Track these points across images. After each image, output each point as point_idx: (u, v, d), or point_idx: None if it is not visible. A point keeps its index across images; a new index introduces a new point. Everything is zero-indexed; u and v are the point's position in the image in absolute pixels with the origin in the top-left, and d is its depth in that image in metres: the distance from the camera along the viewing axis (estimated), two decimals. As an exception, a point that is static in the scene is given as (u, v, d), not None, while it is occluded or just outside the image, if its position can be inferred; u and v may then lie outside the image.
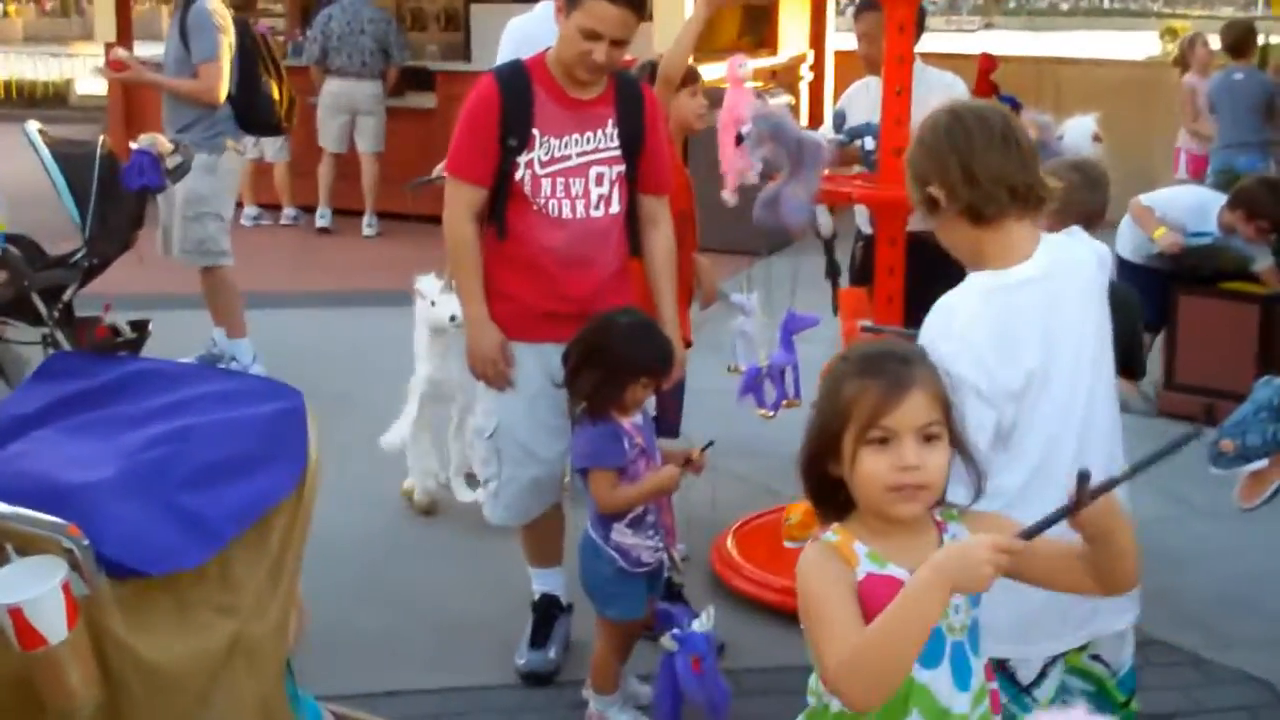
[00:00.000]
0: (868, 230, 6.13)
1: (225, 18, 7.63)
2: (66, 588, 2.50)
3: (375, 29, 12.16)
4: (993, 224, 3.11)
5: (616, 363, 4.17)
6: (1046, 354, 3.06)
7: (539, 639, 4.79)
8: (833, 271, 6.25)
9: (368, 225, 12.48)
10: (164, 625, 2.71)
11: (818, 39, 14.62)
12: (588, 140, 4.40)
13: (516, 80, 4.32)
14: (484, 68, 10.29)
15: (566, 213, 4.40)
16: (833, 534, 2.52)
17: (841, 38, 12.39)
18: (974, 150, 3.09)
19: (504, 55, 6.94)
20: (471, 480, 6.18)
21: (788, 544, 4.44)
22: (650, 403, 4.45)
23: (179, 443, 2.80)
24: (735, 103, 5.00)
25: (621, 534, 4.27)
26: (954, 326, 3.03)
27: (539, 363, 4.45)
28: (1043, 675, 3.20)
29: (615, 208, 4.47)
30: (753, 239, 5.46)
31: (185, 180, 7.49)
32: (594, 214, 4.43)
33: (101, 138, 7.05)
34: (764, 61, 12.98)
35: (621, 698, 4.46)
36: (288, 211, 12.71)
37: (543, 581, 4.88)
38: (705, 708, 4.26)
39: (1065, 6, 65.48)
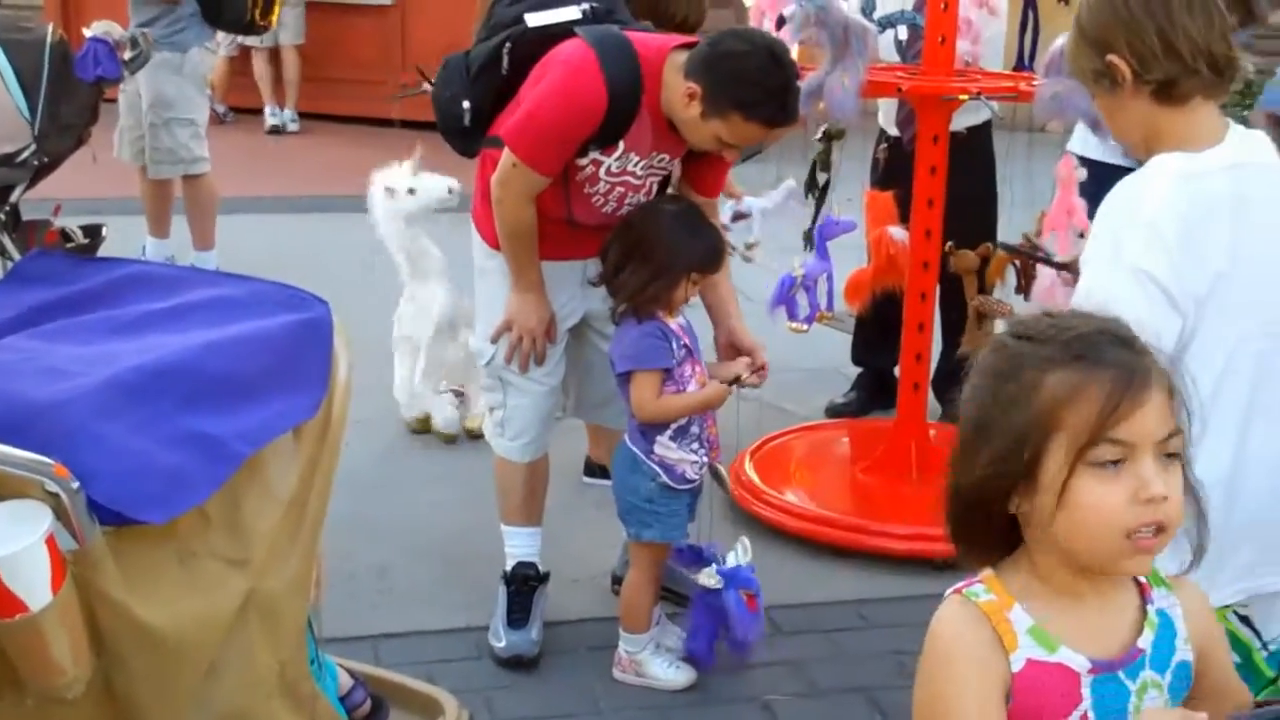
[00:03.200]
0: (893, 131, 5.70)
1: None
2: (51, 542, 2.02)
3: None
4: (1181, 103, 2.65)
5: (667, 256, 3.80)
6: (1233, 257, 2.59)
7: (518, 616, 4.22)
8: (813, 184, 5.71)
9: (291, 121, 12.25)
10: (166, 583, 2.25)
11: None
12: (662, 160, 3.98)
13: (628, 100, 3.78)
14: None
15: (609, 209, 3.99)
16: (983, 589, 1.86)
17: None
18: (1174, 15, 2.61)
19: None
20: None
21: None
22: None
23: (178, 353, 2.31)
24: (774, -22, 4.53)
25: (665, 447, 3.86)
26: (1143, 213, 2.55)
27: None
28: None
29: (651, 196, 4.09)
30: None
31: (150, 83, 7.05)
32: (630, 209, 4.03)
33: (51, 24, 6.46)
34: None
35: (655, 638, 4.03)
36: (218, 108, 12.15)
37: (520, 544, 4.33)
38: (739, 646, 3.95)
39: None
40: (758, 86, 3.66)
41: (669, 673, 4.01)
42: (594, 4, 3.98)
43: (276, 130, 12.18)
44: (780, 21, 4.49)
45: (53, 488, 2.00)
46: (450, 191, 5.42)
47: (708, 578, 3.85)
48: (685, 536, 3.99)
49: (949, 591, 1.88)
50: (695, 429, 3.89)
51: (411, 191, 5.46)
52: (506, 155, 3.83)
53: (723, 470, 4.18)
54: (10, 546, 1.96)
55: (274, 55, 12.08)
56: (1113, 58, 2.64)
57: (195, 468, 2.18)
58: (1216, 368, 2.58)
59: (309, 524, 2.46)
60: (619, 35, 3.83)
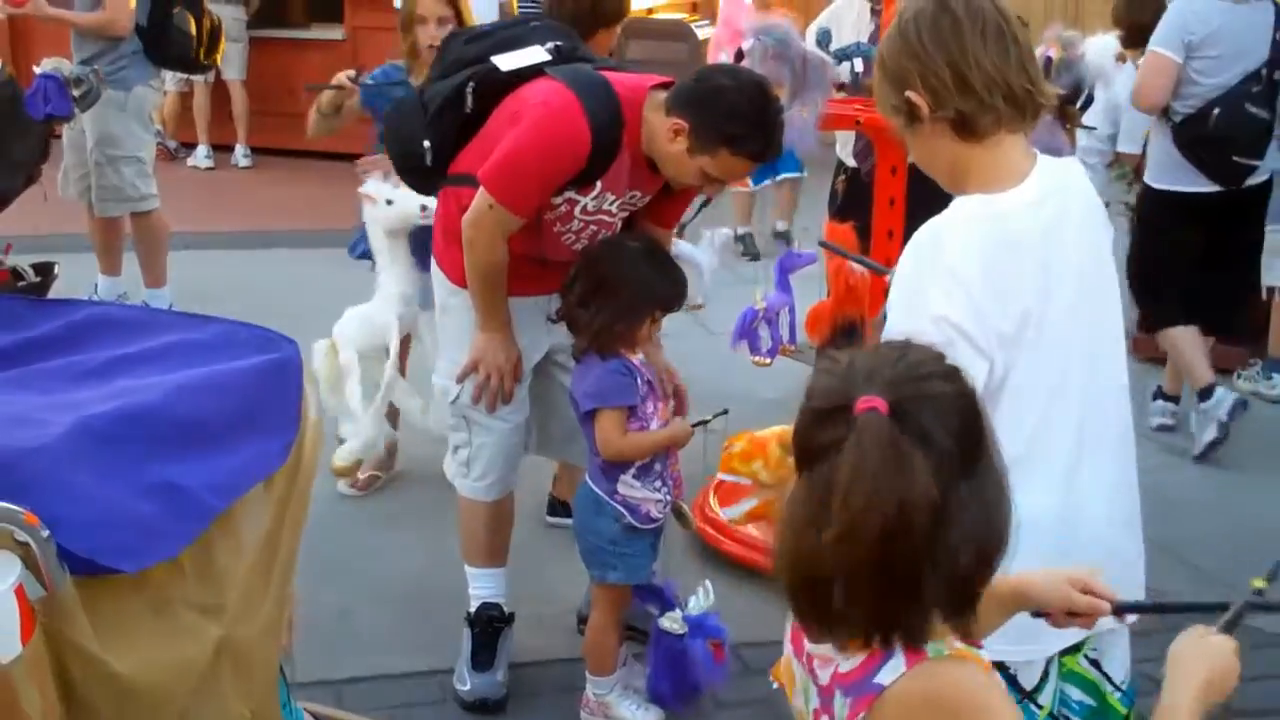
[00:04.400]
0: (851, 163, 5.71)
1: None
2: (20, 592, 1.97)
3: None
4: (983, 138, 2.57)
5: (632, 294, 3.77)
6: (1044, 293, 2.55)
7: (483, 659, 4.19)
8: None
9: (243, 156, 12.06)
10: (138, 632, 2.19)
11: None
12: (634, 198, 3.94)
13: (609, 141, 3.74)
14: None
15: (579, 246, 3.95)
16: (943, 645, 1.82)
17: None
18: (966, 47, 2.55)
19: None
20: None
21: (724, 477, 3.90)
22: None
23: (147, 398, 2.26)
24: (732, 14, 4.53)
25: (629, 486, 3.83)
26: (943, 259, 2.49)
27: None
28: (1044, 678, 2.69)
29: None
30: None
31: (95, 121, 6.99)
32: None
33: (0, 63, 6.40)
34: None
35: (623, 679, 3.99)
36: (169, 144, 11.98)
37: (484, 585, 4.29)
38: (695, 690, 3.90)
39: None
40: (746, 121, 3.65)
41: (637, 714, 3.97)
42: (559, 43, 3.96)
43: (208, 169, 11.96)
44: (739, 56, 4.49)
45: (22, 536, 1.95)
46: (423, 210, 5.01)
47: (671, 622, 3.81)
48: (650, 576, 3.96)
49: (896, 670, 1.79)
50: (658, 467, 3.86)
51: (389, 203, 5.21)
52: (482, 196, 3.76)
53: (685, 508, 4.14)
54: (-24, 598, 1.91)
55: (214, 91, 11.92)
56: (910, 93, 2.58)
57: (167, 520, 2.13)
58: (1039, 405, 2.56)
59: (280, 567, 2.42)
60: (596, 75, 3.80)
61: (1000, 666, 2.39)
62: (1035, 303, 2.52)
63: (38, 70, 6.26)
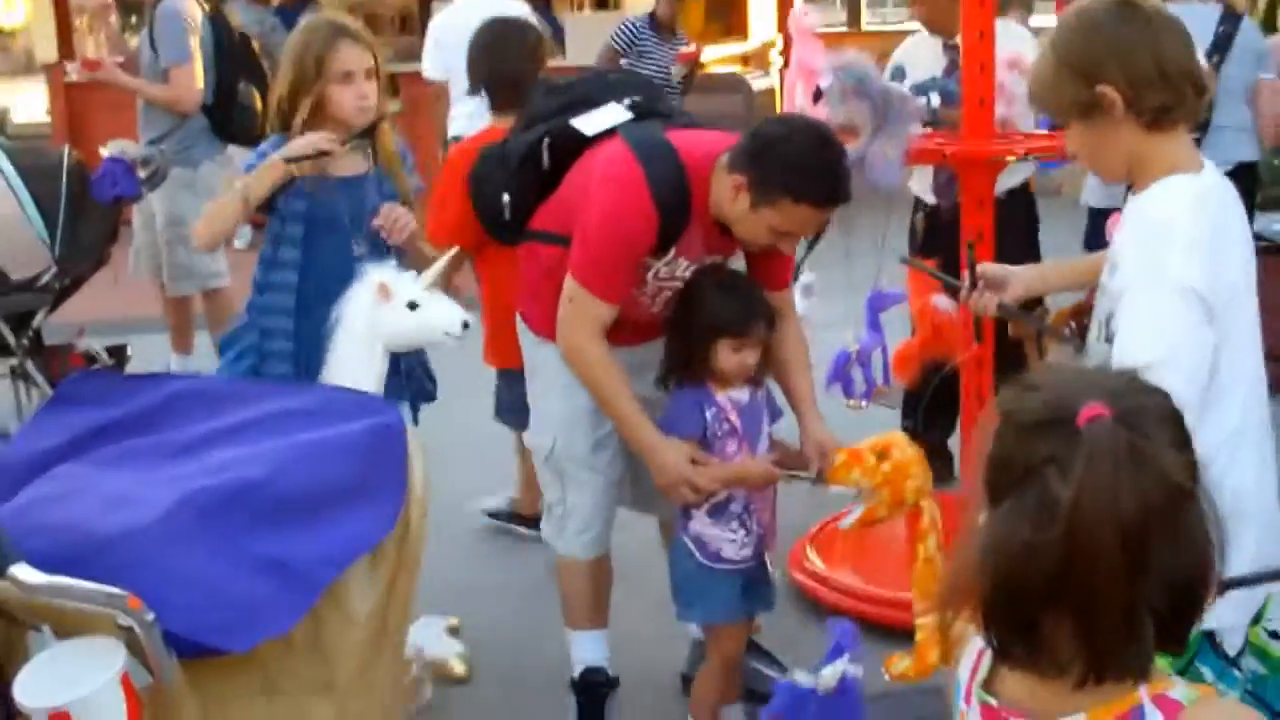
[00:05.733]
0: (930, 199, 5.59)
1: (195, 19, 7.01)
2: (126, 680, 1.86)
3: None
4: (1172, 128, 2.65)
5: (694, 318, 3.69)
6: (1237, 268, 2.65)
7: None
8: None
9: None
10: (248, 715, 2.07)
11: (785, 23, 14.19)
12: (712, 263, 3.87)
13: (677, 213, 3.67)
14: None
15: (655, 309, 3.86)
16: (1182, 690, 1.70)
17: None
18: (1161, 41, 2.63)
19: (430, 55, 7.28)
20: None
21: (833, 489, 3.78)
22: None
23: (250, 472, 2.16)
24: (806, 55, 4.41)
25: (701, 523, 3.72)
26: (1178, 231, 2.55)
27: None
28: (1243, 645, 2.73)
29: None
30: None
31: (164, 200, 6.99)
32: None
33: (66, 147, 6.39)
34: (734, 48, 13.46)
35: None
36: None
37: (586, 650, 4.14)
38: None
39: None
40: (803, 169, 3.53)
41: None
42: (637, 98, 3.88)
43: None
44: (817, 94, 4.37)
45: (125, 621, 1.86)
46: (466, 327, 3.70)
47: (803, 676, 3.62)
48: (736, 620, 3.83)
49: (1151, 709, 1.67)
50: (734, 507, 3.71)
51: (413, 307, 3.61)
52: (566, 290, 3.69)
53: (768, 560, 3.93)
54: (82, 688, 1.82)
55: None
56: (1103, 87, 2.61)
57: (276, 595, 2.04)
58: (1245, 377, 2.64)
59: (393, 637, 2.31)
60: (663, 143, 3.71)
61: (1208, 636, 2.59)
62: (1237, 276, 2.62)
63: (104, 153, 6.24)
